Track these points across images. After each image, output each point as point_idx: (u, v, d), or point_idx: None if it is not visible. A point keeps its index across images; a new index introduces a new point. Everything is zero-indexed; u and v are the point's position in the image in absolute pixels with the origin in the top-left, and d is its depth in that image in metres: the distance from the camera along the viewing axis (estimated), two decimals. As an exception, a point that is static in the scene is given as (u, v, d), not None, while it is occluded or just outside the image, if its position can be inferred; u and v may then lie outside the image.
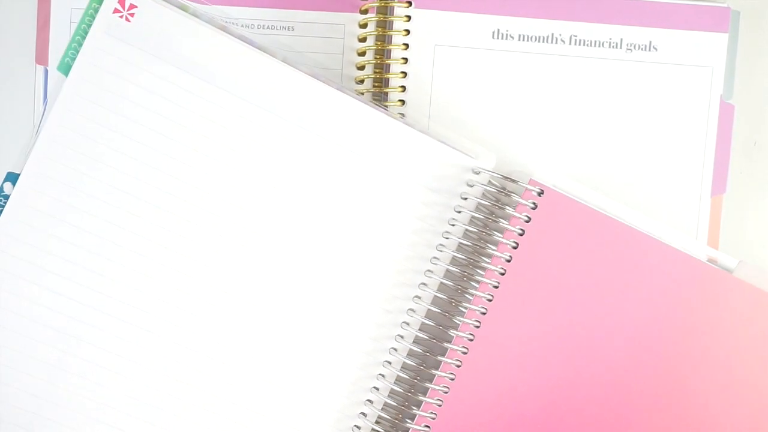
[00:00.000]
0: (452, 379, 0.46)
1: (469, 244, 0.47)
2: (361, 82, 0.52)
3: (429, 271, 0.47)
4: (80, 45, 0.46)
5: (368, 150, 0.47)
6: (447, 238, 0.47)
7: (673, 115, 0.52)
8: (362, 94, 0.52)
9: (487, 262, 0.47)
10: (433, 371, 0.47)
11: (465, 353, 0.46)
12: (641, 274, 0.46)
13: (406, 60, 0.51)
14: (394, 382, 0.47)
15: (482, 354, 0.46)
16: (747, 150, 0.53)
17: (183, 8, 0.47)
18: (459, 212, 0.47)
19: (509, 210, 0.47)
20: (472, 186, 0.47)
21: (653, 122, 0.52)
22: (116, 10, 0.46)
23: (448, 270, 0.47)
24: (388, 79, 0.52)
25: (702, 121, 0.52)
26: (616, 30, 0.51)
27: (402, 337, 0.47)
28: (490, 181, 0.47)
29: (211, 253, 0.47)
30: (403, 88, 0.51)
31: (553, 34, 0.52)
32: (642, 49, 0.52)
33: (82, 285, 0.46)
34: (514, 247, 0.46)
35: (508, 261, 0.46)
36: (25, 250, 0.46)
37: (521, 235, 0.46)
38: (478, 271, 0.47)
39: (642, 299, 0.46)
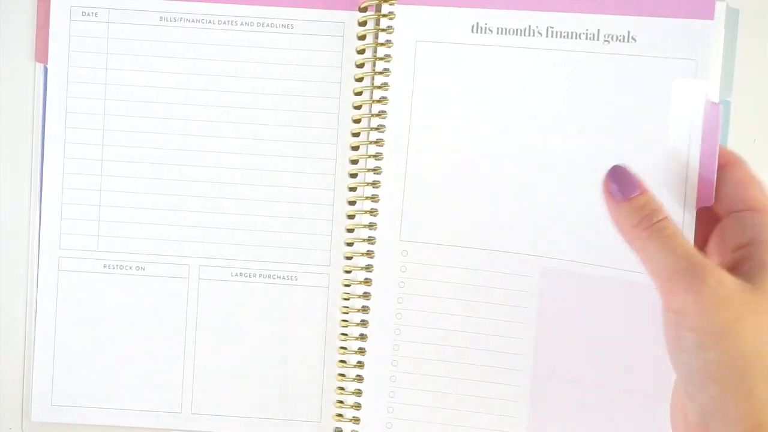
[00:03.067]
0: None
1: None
2: (360, 80, 0.52)
3: None
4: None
5: None
6: None
7: (655, 110, 0.47)
8: (360, 93, 0.52)
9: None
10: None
11: None
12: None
13: (390, 57, 0.51)
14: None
15: None
16: (746, 148, 0.49)
17: None
18: None
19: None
20: None
21: (634, 118, 0.48)
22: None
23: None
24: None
25: (686, 117, 0.47)
26: (593, 20, 0.48)
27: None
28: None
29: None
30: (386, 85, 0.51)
31: (530, 26, 0.49)
32: (620, 40, 0.48)
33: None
34: None
35: None
36: None
37: None
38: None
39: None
